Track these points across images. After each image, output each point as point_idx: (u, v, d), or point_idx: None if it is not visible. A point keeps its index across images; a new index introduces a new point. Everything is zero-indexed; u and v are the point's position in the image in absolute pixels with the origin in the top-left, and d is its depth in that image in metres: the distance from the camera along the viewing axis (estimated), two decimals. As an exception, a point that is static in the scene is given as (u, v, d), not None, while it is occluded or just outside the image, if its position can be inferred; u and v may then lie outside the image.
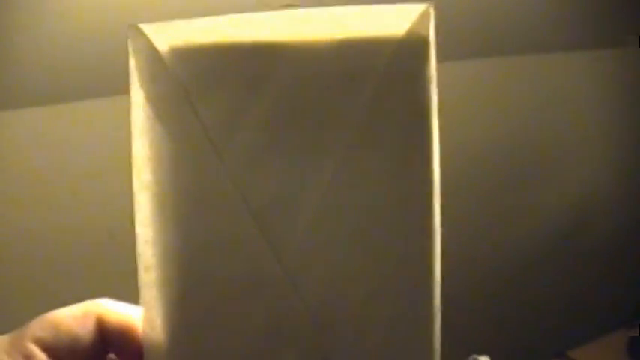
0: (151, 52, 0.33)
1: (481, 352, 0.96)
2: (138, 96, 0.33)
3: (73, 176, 0.76)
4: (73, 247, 0.77)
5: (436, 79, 0.33)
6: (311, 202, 0.33)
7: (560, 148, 1.17)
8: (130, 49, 0.33)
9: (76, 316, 0.34)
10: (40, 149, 0.74)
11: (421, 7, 0.33)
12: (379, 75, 0.33)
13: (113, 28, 0.71)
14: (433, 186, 0.33)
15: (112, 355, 0.36)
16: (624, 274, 1.27)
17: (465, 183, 1.06)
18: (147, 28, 0.33)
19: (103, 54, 0.71)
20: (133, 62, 0.33)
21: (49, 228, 0.76)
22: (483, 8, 0.99)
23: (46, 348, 0.33)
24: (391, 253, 0.34)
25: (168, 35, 0.33)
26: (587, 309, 1.24)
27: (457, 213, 1.05)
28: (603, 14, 1.10)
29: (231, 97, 0.33)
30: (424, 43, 0.33)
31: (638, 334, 1.14)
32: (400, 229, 0.34)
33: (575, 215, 1.21)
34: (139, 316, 0.34)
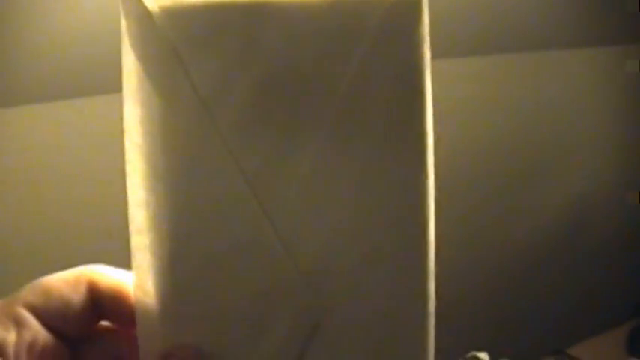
0: (141, 13, 0.33)
1: (480, 349, 0.95)
2: (129, 57, 0.33)
3: (70, 173, 0.76)
4: (70, 244, 0.77)
5: (428, 39, 0.33)
6: (304, 165, 0.33)
7: (561, 147, 1.16)
8: (122, 10, 0.33)
9: (68, 281, 0.34)
10: (36, 146, 0.74)
11: None
12: (372, 35, 0.33)
13: (112, 25, 0.71)
14: (427, 145, 0.33)
15: (103, 322, 0.36)
16: (624, 273, 1.26)
17: (465, 182, 1.06)
18: None
19: (103, 51, 0.71)
20: (123, 24, 0.33)
21: (47, 225, 0.76)
22: (483, 6, 0.99)
23: (36, 312, 0.33)
24: (384, 217, 0.33)
25: None
26: (586, 306, 1.23)
27: (456, 211, 1.05)
28: (603, 11, 1.10)
29: (222, 57, 0.33)
30: (417, 2, 0.33)
31: (637, 332, 1.13)
32: (393, 192, 0.33)
33: (574, 214, 1.21)
34: (131, 281, 0.34)
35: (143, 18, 0.33)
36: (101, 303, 0.34)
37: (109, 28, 0.70)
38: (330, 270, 0.33)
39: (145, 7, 0.33)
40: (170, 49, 0.33)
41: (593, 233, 1.23)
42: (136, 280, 0.34)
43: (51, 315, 0.33)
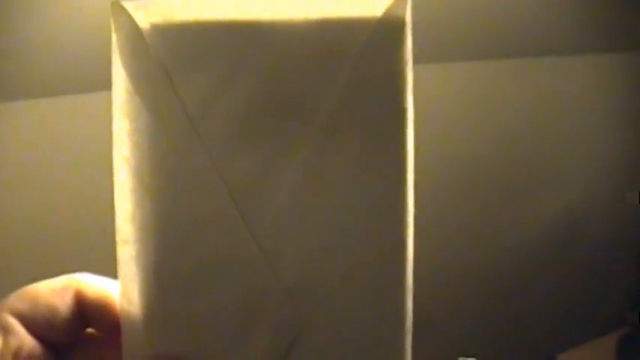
0: (132, 29, 0.34)
1: (470, 356, 0.96)
2: (118, 71, 0.34)
3: (67, 170, 0.77)
4: (66, 241, 0.77)
5: (411, 61, 0.34)
6: (287, 181, 0.34)
7: (557, 154, 1.17)
8: (113, 26, 0.34)
9: (55, 290, 0.35)
10: (33, 142, 0.75)
11: None
12: (356, 56, 0.33)
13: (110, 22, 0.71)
14: (407, 164, 0.34)
15: (89, 330, 0.36)
16: (615, 281, 1.27)
17: (460, 188, 1.07)
18: (129, 5, 0.34)
19: (101, 48, 0.72)
20: (114, 39, 0.34)
21: (41, 222, 0.76)
22: (483, 11, 0.99)
23: (23, 320, 0.33)
24: (364, 233, 0.34)
25: (150, 12, 0.34)
26: (577, 314, 1.24)
27: (450, 219, 1.05)
28: (603, 18, 1.10)
29: (210, 75, 0.34)
30: (401, 25, 0.33)
31: (627, 339, 1.14)
32: (373, 209, 0.34)
33: (567, 223, 1.21)
34: (117, 290, 0.35)
35: (133, 34, 0.34)
36: (87, 311, 0.35)
37: (106, 25, 0.71)
38: (311, 284, 0.34)
39: (135, 24, 0.34)
40: (159, 64, 0.34)
41: (586, 242, 1.24)
42: (121, 290, 0.35)
43: (37, 322, 0.34)
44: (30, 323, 0.34)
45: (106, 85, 0.68)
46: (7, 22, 0.69)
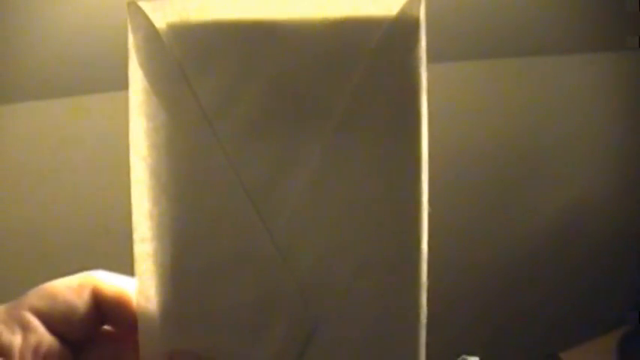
0: (148, 29, 0.34)
1: (472, 353, 0.96)
2: (136, 71, 0.34)
3: (69, 171, 0.77)
4: (69, 241, 0.78)
5: (425, 60, 0.34)
6: (302, 179, 0.34)
7: (557, 153, 1.17)
8: (129, 26, 0.34)
9: (73, 287, 0.35)
10: (36, 144, 0.75)
11: None
12: (370, 55, 0.34)
13: (114, 22, 0.71)
14: (421, 163, 0.34)
15: (106, 327, 0.37)
16: (616, 278, 1.27)
17: (461, 185, 1.07)
18: (145, 6, 0.34)
19: (104, 49, 0.72)
20: (131, 38, 0.34)
21: (45, 223, 0.76)
22: (482, 10, 0.99)
23: (42, 317, 0.34)
24: (378, 230, 0.35)
25: (166, 13, 0.34)
26: (579, 312, 1.24)
27: (452, 214, 1.06)
28: (601, 17, 1.11)
29: (226, 74, 0.34)
30: (415, 23, 0.34)
31: (628, 338, 1.15)
32: (388, 207, 0.35)
33: (569, 219, 1.22)
34: (133, 287, 0.35)
35: (150, 34, 0.34)
36: (104, 308, 0.35)
37: (108, 26, 0.71)
38: (326, 281, 0.35)
39: (152, 24, 0.34)
40: (176, 64, 0.34)
41: (587, 239, 1.24)
42: (138, 287, 0.35)
43: (56, 319, 0.34)
44: (48, 320, 0.34)
45: (113, 85, 0.68)
46: (9, 23, 0.69)
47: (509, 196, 1.14)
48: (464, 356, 0.96)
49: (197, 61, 0.34)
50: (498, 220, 1.14)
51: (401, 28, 0.34)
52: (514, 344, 1.17)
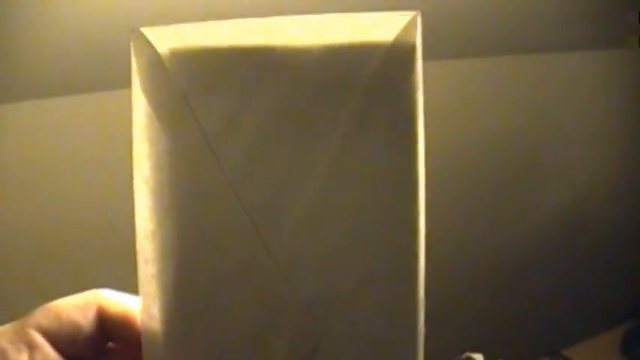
0: (151, 55, 0.35)
1: (475, 351, 0.97)
2: (139, 96, 0.35)
3: (73, 169, 0.77)
4: (74, 239, 0.78)
5: (422, 85, 0.35)
6: (301, 201, 0.35)
7: (558, 150, 1.18)
8: (132, 52, 0.35)
9: (78, 306, 0.36)
10: (40, 142, 0.75)
11: (409, 16, 0.34)
12: (367, 80, 0.34)
13: (113, 22, 0.72)
14: (418, 184, 0.35)
15: (111, 344, 0.38)
16: (619, 274, 1.28)
17: (462, 182, 1.08)
18: (148, 32, 0.35)
19: (103, 48, 0.72)
20: (134, 64, 0.35)
21: (49, 221, 0.77)
22: (481, 8, 1.00)
23: (48, 336, 0.35)
24: (377, 246, 0.35)
25: (169, 39, 0.35)
26: (581, 308, 1.25)
27: (453, 212, 1.06)
28: (602, 14, 1.11)
29: (228, 99, 0.35)
30: (411, 50, 0.34)
31: (631, 334, 1.15)
32: (385, 224, 0.35)
33: (571, 215, 1.22)
34: (138, 306, 0.36)
35: (153, 60, 0.35)
36: (109, 326, 0.36)
37: (110, 25, 0.72)
38: (326, 296, 0.35)
39: (155, 50, 0.35)
40: (178, 90, 0.35)
41: (589, 236, 1.24)
42: (142, 306, 0.36)
43: (62, 338, 0.35)
44: (54, 339, 0.35)
45: (115, 84, 0.69)
46: (10, 23, 0.70)
47: (512, 193, 1.14)
48: (468, 353, 0.96)
49: (199, 86, 0.35)
50: (499, 217, 1.14)
51: (397, 54, 0.34)
52: (517, 341, 1.18)
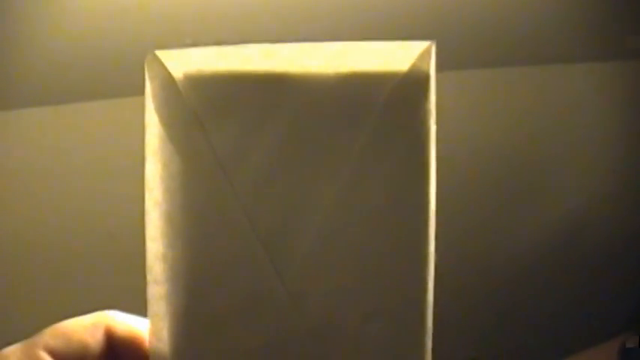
0: (165, 78, 0.35)
1: (475, 359, 0.97)
2: (152, 119, 0.35)
3: (73, 178, 0.77)
4: (73, 248, 0.79)
5: (435, 114, 0.35)
6: (313, 227, 0.35)
7: (559, 162, 1.18)
8: (146, 75, 0.35)
9: (86, 326, 0.36)
10: (39, 150, 0.75)
11: (423, 45, 0.34)
12: (381, 108, 0.35)
13: (114, 31, 0.72)
14: (429, 214, 0.35)
15: None
16: (618, 284, 1.28)
17: (465, 191, 1.08)
18: (162, 55, 0.35)
19: (105, 56, 0.73)
20: (148, 87, 0.35)
21: (49, 229, 0.77)
22: (486, 20, 1.00)
23: (56, 356, 0.35)
24: (387, 276, 0.36)
25: (183, 62, 0.35)
26: (579, 319, 1.25)
27: (458, 222, 1.06)
28: (605, 26, 1.11)
29: (241, 124, 0.35)
30: (425, 78, 0.35)
31: (632, 345, 1.15)
32: (396, 255, 0.35)
33: (571, 225, 1.22)
34: (146, 328, 0.36)
35: (167, 83, 0.35)
36: (117, 348, 0.36)
37: (111, 33, 0.72)
38: (335, 325, 0.36)
39: (169, 74, 0.35)
40: (192, 113, 0.35)
41: (590, 246, 1.25)
42: (151, 328, 0.36)
43: (70, 358, 0.35)
44: (62, 359, 0.35)
45: (116, 92, 0.69)
46: (14, 30, 0.70)
47: (516, 203, 1.15)
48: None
49: (212, 110, 0.35)
50: (502, 228, 1.15)
51: (411, 83, 0.34)
52: (515, 352, 1.18)
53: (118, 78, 0.69)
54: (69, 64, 0.73)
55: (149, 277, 0.36)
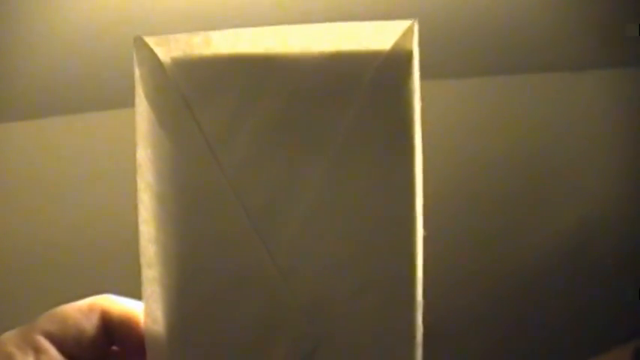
0: (154, 63, 0.36)
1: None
2: (142, 103, 0.36)
3: (74, 186, 0.78)
4: (75, 253, 0.79)
5: (419, 92, 0.35)
6: (302, 204, 0.36)
7: (562, 170, 1.18)
8: (135, 60, 0.36)
9: (82, 310, 0.36)
10: (41, 160, 0.76)
11: (406, 24, 0.35)
12: (366, 87, 0.35)
13: (114, 41, 0.73)
14: (415, 191, 0.36)
15: (115, 348, 0.38)
16: (629, 291, 1.27)
17: (470, 199, 1.08)
18: (151, 41, 0.36)
19: (105, 67, 0.73)
20: (137, 72, 0.36)
21: (50, 237, 0.78)
22: (492, 28, 1.00)
23: (53, 340, 0.35)
24: (376, 251, 0.36)
25: (171, 47, 0.36)
26: (590, 325, 1.24)
27: (461, 228, 1.06)
28: (611, 33, 1.11)
29: (229, 106, 0.36)
30: (409, 57, 0.35)
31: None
32: (384, 231, 0.36)
33: (577, 233, 1.22)
34: (141, 310, 0.37)
35: (155, 68, 0.36)
36: (113, 330, 0.37)
37: (111, 45, 0.73)
38: (325, 300, 0.36)
39: (157, 58, 0.36)
40: (180, 96, 0.35)
41: (596, 252, 1.24)
42: (145, 310, 0.36)
43: (67, 342, 0.35)
44: (60, 343, 0.35)
45: (110, 104, 0.70)
46: (9, 42, 0.71)
47: (522, 213, 1.15)
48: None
49: (200, 93, 0.36)
50: (510, 235, 1.14)
51: (395, 61, 0.35)
52: (529, 358, 1.17)
53: (110, 91, 0.70)
54: (67, 75, 0.73)
55: (142, 261, 0.36)
